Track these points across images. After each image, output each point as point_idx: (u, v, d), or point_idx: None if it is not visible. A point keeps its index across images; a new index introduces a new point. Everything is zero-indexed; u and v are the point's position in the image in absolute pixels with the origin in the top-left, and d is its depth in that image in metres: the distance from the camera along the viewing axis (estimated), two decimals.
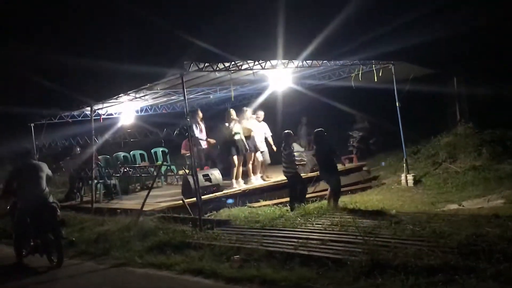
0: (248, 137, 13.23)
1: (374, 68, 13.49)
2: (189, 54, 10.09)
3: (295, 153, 11.78)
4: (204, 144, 14.14)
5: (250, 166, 13.31)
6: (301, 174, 12.02)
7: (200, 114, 14.33)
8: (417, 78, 14.33)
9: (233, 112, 13.22)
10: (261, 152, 13.61)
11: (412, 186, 13.40)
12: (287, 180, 11.77)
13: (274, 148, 13.95)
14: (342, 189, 12.88)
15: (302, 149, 15.39)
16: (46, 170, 8.82)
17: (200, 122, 14.21)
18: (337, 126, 17.19)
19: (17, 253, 8.93)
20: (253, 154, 13.30)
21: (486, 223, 7.35)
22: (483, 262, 5.70)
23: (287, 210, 10.52)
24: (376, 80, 13.57)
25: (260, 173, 13.69)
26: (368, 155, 17.29)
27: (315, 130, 11.25)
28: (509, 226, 6.95)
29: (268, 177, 13.73)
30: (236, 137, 12.93)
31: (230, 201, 12.02)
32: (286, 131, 11.59)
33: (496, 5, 14.64)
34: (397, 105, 13.78)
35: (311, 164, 13.59)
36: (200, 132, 14.03)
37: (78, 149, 15.65)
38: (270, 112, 15.01)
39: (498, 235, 6.52)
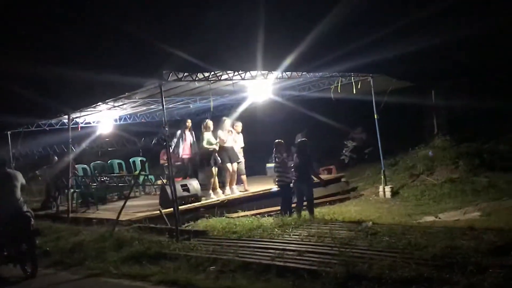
0: (222, 148, 13.11)
1: (353, 80, 13.60)
2: (169, 64, 10.04)
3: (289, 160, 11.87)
4: (187, 154, 14.16)
5: (228, 178, 13.22)
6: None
7: (188, 124, 14.30)
8: (395, 91, 14.49)
9: (210, 123, 13.17)
10: (238, 162, 13.52)
11: (389, 197, 13.50)
12: (279, 189, 11.73)
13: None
14: (321, 200, 13.00)
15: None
16: (20, 179, 8.69)
17: (187, 132, 14.21)
18: (317, 137, 17.28)
19: None
20: (228, 165, 13.18)
21: (461, 236, 7.37)
22: (456, 274, 5.72)
23: (265, 221, 10.49)
24: (355, 92, 13.67)
25: (235, 184, 13.61)
26: (362, 164, 17.25)
27: (298, 141, 11.33)
28: (484, 239, 6.97)
29: (246, 189, 13.64)
30: (212, 147, 12.89)
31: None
32: (276, 141, 11.65)
33: (475, 20, 14.84)
34: (375, 117, 13.89)
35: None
36: (184, 141, 14.03)
37: (55, 157, 15.47)
38: (251, 123, 15.03)
39: (473, 248, 6.54)
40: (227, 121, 13.28)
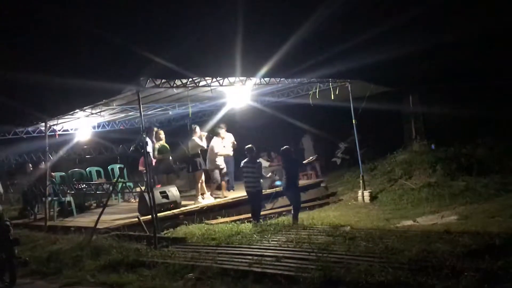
0: (196, 155, 13.17)
1: (331, 86, 13.66)
2: (146, 71, 10.01)
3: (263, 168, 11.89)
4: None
5: (199, 185, 13.23)
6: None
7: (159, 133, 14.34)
8: (373, 96, 14.59)
9: (161, 132, 13.58)
10: (221, 169, 13.62)
11: (368, 202, 13.58)
12: (248, 195, 11.72)
13: None
14: (301, 205, 13.01)
15: (267, 164, 15.57)
16: None
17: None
18: (297, 142, 17.40)
19: None
20: (203, 173, 13.26)
21: (437, 239, 7.46)
22: (432, 278, 5.78)
23: (244, 227, 10.48)
24: (333, 98, 13.74)
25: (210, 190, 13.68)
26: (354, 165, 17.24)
27: (282, 149, 11.33)
28: (459, 242, 7.07)
29: (224, 195, 13.65)
30: (162, 156, 13.21)
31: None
32: (247, 146, 11.62)
33: (451, 26, 15.05)
34: (354, 122, 13.98)
35: (271, 180, 13.70)
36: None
37: (30, 166, 15.29)
38: (230, 129, 15.04)
39: (448, 251, 6.63)
40: (197, 128, 13.38)
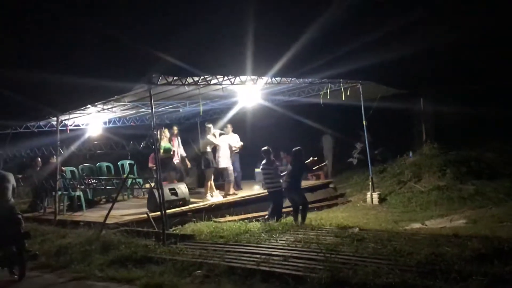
0: (206, 152, 13.26)
1: (342, 87, 13.65)
2: (158, 68, 10.05)
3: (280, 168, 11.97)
4: (175, 159, 14.36)
5: (209, 183, 13.31)
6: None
7: (174, 130, 14.57)
8: (384, 98, 14.57)
9: (166, 130, 14.10)
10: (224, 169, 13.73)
11: (377, 204, 13.57)
12: (269, 195, 11.75)
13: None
14: (309, 206, 13.01)
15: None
16: (12, 181, 8.62)
17: (174, 138, 14.43)
18: (307, 142, 17.37)
19: None
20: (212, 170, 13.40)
21: (446, 243, 7.44)
22: (440, 281, 5.78)
23: (252, 226, 10.51)
24: (344, 98, 13.73)
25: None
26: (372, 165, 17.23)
27: (294, 149, 11.38)
28: (468, 246, 7.04)
29: (234, 193, 13.74)
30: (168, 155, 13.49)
31: None
32: (264, 148, 11.71)
33: (463, 26, 14.96)
34: (364, 123, 13.96)
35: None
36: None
37: (39, 160, 15.38)
38: (240, 128, 15.10)
39: (457, 255, 6.61)
40: (210, 126, 13.55)
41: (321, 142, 18.71)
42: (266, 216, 11.32)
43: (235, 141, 14.27)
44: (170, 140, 14.44)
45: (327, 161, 13.65)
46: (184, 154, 15.03)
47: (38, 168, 15.10)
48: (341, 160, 18.71)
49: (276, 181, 11.46)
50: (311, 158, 11.53)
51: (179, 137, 15.03)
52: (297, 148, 11.36)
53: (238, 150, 14.37)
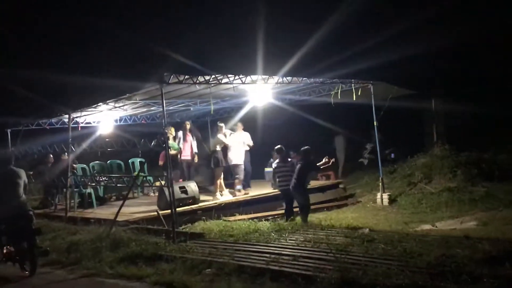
0: (216, 151, 13.31)
1: (353, 87, 13.61)
2: (169, 66, 10.09)
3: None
4: (187, 155, 14.39)
5: (218, 181, 13.35)
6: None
7: (187, 126, 14.64)
8: (395, 98, 14.51)
9: (173, 129, 14.31)
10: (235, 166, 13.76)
11: (387, 205, 13.52)
12: (283, 194, 11.83)
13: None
14: (319, 206, 13.03)
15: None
16: (23, 177, 8.68)
17: (188, 134, 14.52)
18: (317, 142, 17.36)
19: None
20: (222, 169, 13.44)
21: (456, 244, 7.40)
22: (450, 283, 5.75)
23: (262, 225, 10.52)
24: (355, 98, 13.69)
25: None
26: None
27: (303, 148, 11.38)
28: (479, 248, 7.00)
29: (245, 193, 13.77)
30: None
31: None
32: (277, 147, 11.82)
33: (477, 26, 14.89)
34: (375, 124, 13.93)
35: None
36: (184, 143, 14.40)
37: (51, 157, 15.47)
38: (251, 127, 15.10)
39: (467, 257, 6.58)
40: (222, 125, 13.60)
41: (334, 143, 18.70)
42: (285, 217, 11.31)
43: (247, 139, 14.28)
44: (174, 139, 14.54)
45: (333, 159, 13.60)
46: (195, 150, 15.08)
47: (50, 165, 15.20)
48: (352, 160, 18.68)
49: (291, 179, 11.47)
50: (325, 159, 11.36)
51: (192, 133, 15.09)
52: (306, 147, 11.36)
53: (248, 148, 14.38)
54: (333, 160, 11.56)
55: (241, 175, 13.75)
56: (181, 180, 13.91)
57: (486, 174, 13.69)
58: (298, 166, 11.28)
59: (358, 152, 18.65)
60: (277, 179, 11.88)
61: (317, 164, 11.30)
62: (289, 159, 12.02)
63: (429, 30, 15.76)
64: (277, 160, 11.80)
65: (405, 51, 14.27)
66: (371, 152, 17.86)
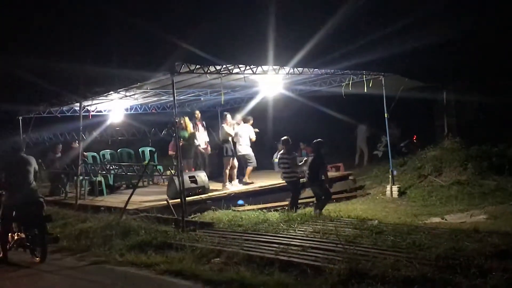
0: (226, 141, 13.30)
1: (364, 79, 13.54)
2: (180, 56, 10.11)
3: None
4: (202, 145, 14.54)
5: (227, 171, 13.36)
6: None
7: (197, 115, 14.65)
8: (407, 90, 14.44)
9: (229, 115, 13.65)
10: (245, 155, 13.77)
11: (396, 197, 13.47)
12: (288, 184, 11.87)
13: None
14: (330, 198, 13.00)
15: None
16: (34, 164, 8.76)
17: (198, 123, 14.53)
18: (329, 133, 17.33)
19: (2, 248, 8.60)
20: (231, 159, 13.38)
21: (466, 238, 7.39)
22: (459, 276, 5.75)
23: (271, 215, 10.54)
24: (366, 90, 13.63)
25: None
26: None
27: (315, 141, 11.37)
28: (488, 242, 6.99)
29: (251, 182, 13.79)
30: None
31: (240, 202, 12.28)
32: (284, 138, 11.80)
33: (490, 16, 14.75)
34: (386, 116, 13.87)
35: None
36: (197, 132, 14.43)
37: (60, 146, 15.54)
38: (261, 117, 15.09)
39: (477, 250, 6.56)
40: (228, 116, 13.63)
41: (355, 132, 18.76)
42: (287, 208, 11.33)
43: (251, 132, 14.21)
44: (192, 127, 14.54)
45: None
46: (207, 139, 15.10)
47: (59, 154, 15.24)
48: (341, 154, 18.57)
49: (292, 170, 11.51)
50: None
51: (203, 122, 15.13)
52: (318, 140, 11.34)
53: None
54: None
55: (253, 162, 13.78)
56: (193, 169, 13.93)
57: (496, 167, 13.60)
58: (310, 159, 11.29)
59: (373, 144, 18.66)
60: (281, 170, 11.89)
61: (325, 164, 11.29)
62: (294, 152, 11.98)
63: (441, 21, 15.63)
64: (282, 151, 11.81)
65: (416, 43, 14.18)
66: (386, 145, 17.85)
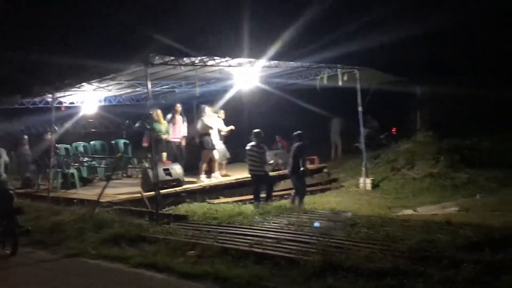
0: (206, 134, 13.20)
1: (339, 72, 13.59)
2: (154, 47, 10.02)
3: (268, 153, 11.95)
4: (176, 137, 14.34)
5: (204, 164, 13.28)
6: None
7: (178, 108, 14.47)
8: (381, 84, 14.56)
9: (159, 112, 13.58)
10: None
11: (370, 190, 13.61)
12: (252, 178, 11.85)
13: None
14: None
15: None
16: (4, 157, 8.63)
17: (178, 116, 14.35)
18: (304, 125, 17.33)
19: None
20: (211, 152, 13.29)
21: (438, 230, 7.49)
22: (431, 267, 5.83)
23: (246, 208, 10.53)
24: (340, 84, 13.69)
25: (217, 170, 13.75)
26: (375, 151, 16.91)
27: (295, 133, 11.33)
28: (460, 233, 7.10)
29: (226, 175, 13.74)
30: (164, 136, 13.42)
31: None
32: (256, 130, 11.71)
33: (463, 10, 14.90)
34: (359, 109, 13.95)
35: (274, 164, 13.73)
36: (174, 125, 14.21)
37: (25, 137, 15.26)
38: (237, 110, 15.03)
39: (449, 242, 6.66)
40: (207, 108, 13.39)
41: (330, 125, 18.75)
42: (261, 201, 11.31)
43: (222, 126, 14.15)
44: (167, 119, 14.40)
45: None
46: (185, 133, 14.91)
47: (26, 146, 14.96)
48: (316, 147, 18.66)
49: (259, 165, 11.50)
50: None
51: (183, 115, 14.90)
52: (298, 132, 11.32)
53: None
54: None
55: (220, 157, 13.71)
56: (170, 162, 13.79)
57: (468, 160, 13.83)
58: (293, 150, 11.26)
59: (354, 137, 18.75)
60: (248, 162, 11.82)
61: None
62: (265, 146, 11.89)
63: (414, 15, 15.76)
64: (252, 143, 11.66)
65: (390, 37, 14.28)
66: (367, 137, 17.96)
